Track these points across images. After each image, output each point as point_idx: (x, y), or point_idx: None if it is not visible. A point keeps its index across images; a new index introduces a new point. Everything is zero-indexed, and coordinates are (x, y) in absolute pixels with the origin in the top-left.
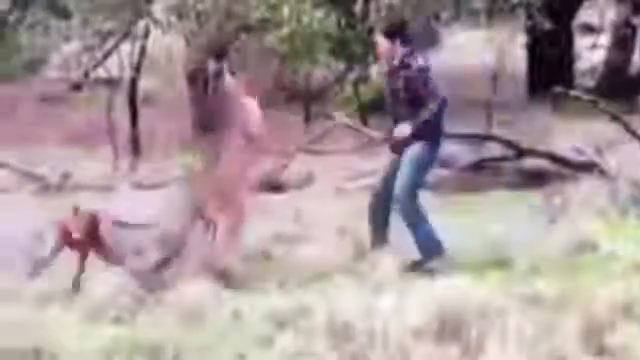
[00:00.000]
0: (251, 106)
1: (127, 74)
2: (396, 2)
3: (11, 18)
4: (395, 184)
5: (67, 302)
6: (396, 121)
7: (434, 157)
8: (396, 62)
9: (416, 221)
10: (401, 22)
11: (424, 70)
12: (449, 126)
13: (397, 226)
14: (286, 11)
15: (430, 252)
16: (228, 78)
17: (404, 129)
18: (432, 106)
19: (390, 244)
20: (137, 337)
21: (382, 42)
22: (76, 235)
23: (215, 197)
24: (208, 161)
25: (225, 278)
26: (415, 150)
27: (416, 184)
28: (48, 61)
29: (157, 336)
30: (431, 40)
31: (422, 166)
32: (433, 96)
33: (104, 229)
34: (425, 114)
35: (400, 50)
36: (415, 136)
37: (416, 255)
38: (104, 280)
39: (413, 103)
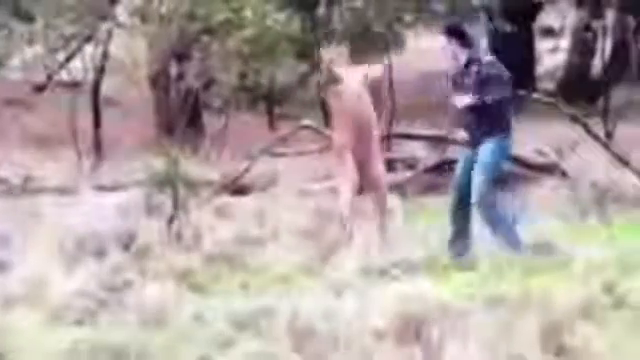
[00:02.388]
0: None
1: (90, 77)
2: (359, 5)
3: None
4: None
5: (29, 305)
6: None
7: (505, 152)
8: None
9: (495, 217)
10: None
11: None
12: (413, 128)
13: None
14: (249, 13)
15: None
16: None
17: (464, 99)
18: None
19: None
20: (99, 339)
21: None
22: None
23: None
24: None
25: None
26: (488, 147)
27: (489, 179)
28: (11, 64)
29: (119, 338)
30: (395, 43)
31: (497, 163)
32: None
33: None
34: (488, 98)
35: (461, 49)
36: (485, 133)
37: (379, 257)
38: (65, 283)
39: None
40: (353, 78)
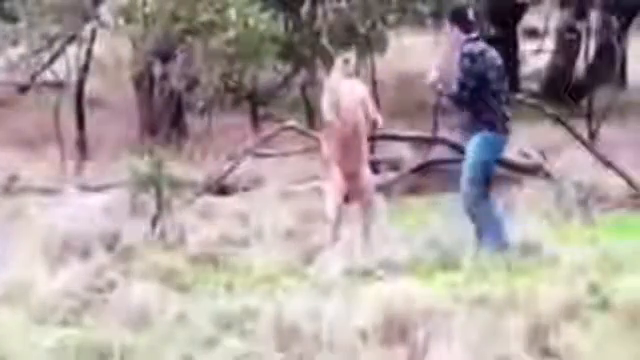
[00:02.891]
0: None
1: (74, 77)
2: (343, 5)
3: None
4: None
5: (13, 305)
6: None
7: (495, 147)
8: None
9: (481, 215)
10: (460, 9)
11: (464, 56)
12: (397, 129)
13: None
14: (233, 14)
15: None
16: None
17: (433, 72)
18: (456, 89)
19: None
20: (84, 339)
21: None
22: None
23: None
24: None
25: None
26: (473, 143)
27: (477, 176)
28: None
29: (103, 337)
30: (379, 43)
31: (484, 159)
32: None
33: None
34: (450, 91)
35: (461, 37)
36: (470, 127)
37: (363, 258)
38: (50, 282)
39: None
40: (349, 93)
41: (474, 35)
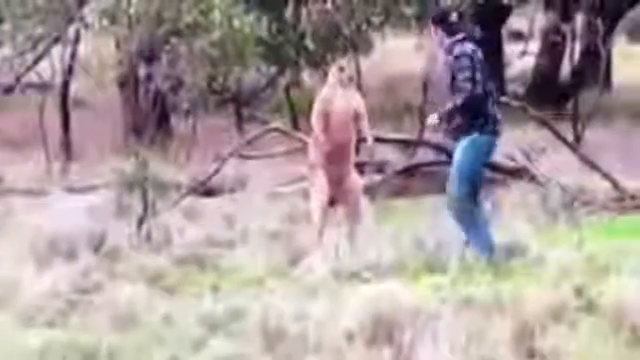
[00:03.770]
0: None
1: (59, 78)
2: (328, 7)
3: None
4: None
5: (0, 306)
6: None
7: (483, 149)
8: (442, 49)
9: (466, 218)
10: (442, 11)
11: (460, 57)
12: (383, 131)
13: None
14: (217, 15)
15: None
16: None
17: (431, 118)
18: (458, 100)
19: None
20: (70, 340)
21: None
22: None
23: None
24: None
25: None
26: (460, 146)
27: (464, 179)
28: None
29: (90, 339)
30: (363, 45)
31: (467, 160)
32: (461, 88)
33: None
34: (448, 105)
35: (445, 39)
36: (457, 130)
37: (350, 260)
38: (36, 283)
39: (453, 91)
40: (344, 105)
41: (461, 36)
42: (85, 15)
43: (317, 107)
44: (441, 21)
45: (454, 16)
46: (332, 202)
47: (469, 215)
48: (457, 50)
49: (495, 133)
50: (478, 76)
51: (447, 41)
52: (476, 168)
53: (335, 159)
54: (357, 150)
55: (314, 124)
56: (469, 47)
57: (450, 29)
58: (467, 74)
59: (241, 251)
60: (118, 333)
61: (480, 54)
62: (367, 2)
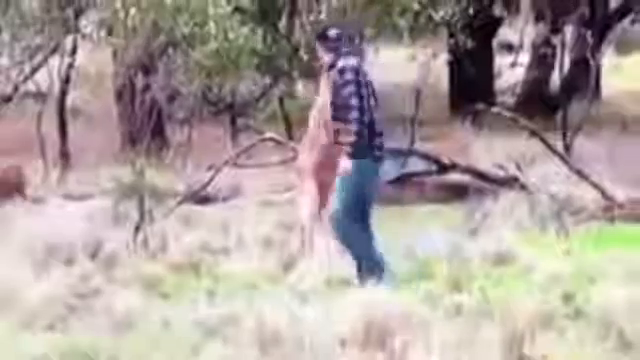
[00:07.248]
0: None
1: (56, 88)
2: (321, 18)
3: None
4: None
5: None
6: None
7: (367, 175)
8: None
9: (350, 240)
10: (323, 29)
11: (344, 71)
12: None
13: None
14: (213, 27)
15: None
16: None
17: (346, 164)
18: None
19: None
20: (70, 344)
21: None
22: None
23: None
24: None
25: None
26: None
27: (348, 204)
28: None
29: (90, 343)
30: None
31: (350, 185)
32: (347, 104)
33: None
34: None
35: (326, 55)
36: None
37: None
38: (35, 289)
39: (338, 109)
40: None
41: (344, 51)
42: (82, 26)
43: (314, 115)
44: (321, 38)
45: (334, 32)
46: (321, 207)
47: (352, 236)
48: (341, 64)
49: (371, 156)
50: (363, 91)
51: (326, 58)
52: (358, 190)
53: (327, 164)
54: None
55: (311, 130)
56: (353, 61)
57: (329, 46)
58: (352, 88)
59: (236, 257)
60: (116, 338)
61: (365, 70)
62: (360, 14)
